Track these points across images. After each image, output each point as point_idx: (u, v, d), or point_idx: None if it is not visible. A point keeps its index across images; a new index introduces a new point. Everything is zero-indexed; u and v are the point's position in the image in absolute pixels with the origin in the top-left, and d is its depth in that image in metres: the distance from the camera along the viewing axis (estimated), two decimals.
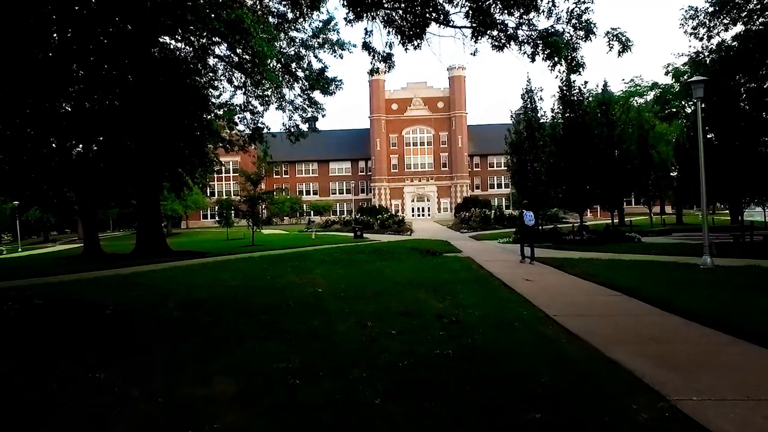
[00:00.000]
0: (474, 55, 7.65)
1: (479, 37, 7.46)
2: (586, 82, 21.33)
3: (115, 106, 19.93)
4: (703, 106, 35.53)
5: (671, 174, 41.40)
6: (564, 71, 8.55)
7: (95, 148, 23.13)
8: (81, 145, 23.48)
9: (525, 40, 7.40)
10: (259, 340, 6.45)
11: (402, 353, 5.65)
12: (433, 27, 7.98)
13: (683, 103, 37.52)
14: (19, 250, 42.05)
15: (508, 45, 7.45)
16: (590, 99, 23.11)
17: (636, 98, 41.34)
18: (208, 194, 63.36)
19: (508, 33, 7.37)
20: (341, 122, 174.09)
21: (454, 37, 7.81)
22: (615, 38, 7.15)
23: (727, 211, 49.38)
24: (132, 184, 21.61)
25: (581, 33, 7.19)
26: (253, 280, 11.99)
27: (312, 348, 6.02)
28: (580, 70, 7.43)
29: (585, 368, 4.97)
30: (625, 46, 7.17)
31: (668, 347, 5.64)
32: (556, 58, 7.34)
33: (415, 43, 10.71)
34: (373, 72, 11.06)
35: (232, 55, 20.14)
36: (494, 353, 5.55)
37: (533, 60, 7.46)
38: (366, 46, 10.89)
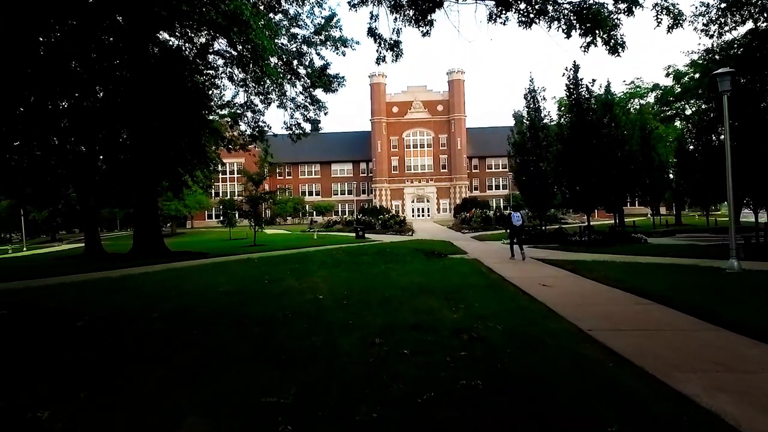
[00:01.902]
0: (504, 24, 6.45)
1: (504, 11, 6.27)
2: (593, 80, 20.06)
3: (113, 104, 18.79)
4: (703, 106, 33.96)
5: (670, 176, 40.23)
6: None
7: (96, 147, 22.00)
8: (80, 144, 22.34)
9: (557, 16, 6.20)
10: (248, 361, 5.27)
11: (419, 382, 4.47)
12: None
13: (684, 104, 36.33)
14: (24, 249, 40.87)
15: (537, 20, 6.26)
16: (594, 99, 21.89)
17: (637, 99, 40.13)
18: (213, 195, 62.18)
19: (537, 7, 6.19)
20: (343, 125, 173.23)
21: (475, 2, 6.58)
22: (664, 11, 5.94)
23: (720, 212, 48.22)
24: (130, 183, 20.41)
25: (623, 6, 5.96)
26: (249, 284, 10.78)
27: (310, 374, 4.83)
28: (620, 50, 6.22)
29: (656, 409, 3.77)
30: (677, 20, 5.98)
31: (748, 378, 4.44)
32: (596, 33, 6.11)
33: (425, 29, 9.53)
34: (379, 61, 9.87)
35: (232, 50, 18.96)
36: (533, 384, 4.36)
37: (569, 36, 6.25)
38: (371, 32, 9.72)
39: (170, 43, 19.97)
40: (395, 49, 9.92)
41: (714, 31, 18.79)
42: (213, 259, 17.86)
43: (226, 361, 5.29)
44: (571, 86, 20.32)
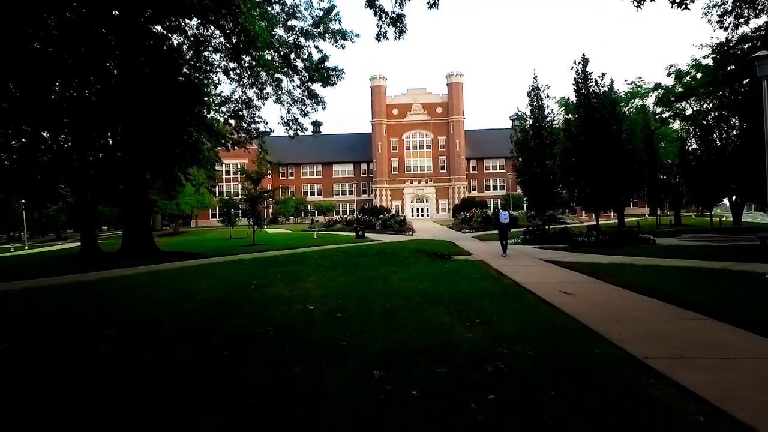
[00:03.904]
0: None
1: None
2: (603, 74, 18.50)
3: (104, 98, 17.31)
4: (705, 106, 32.31)
5: (670, 176, 38.72)
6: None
7: (85, 142, 20.46)
8: (71, 138, 20.81)
9: None
10: (201, 409, 3.74)
11: None
12: None
13: (684, 105, 34.81)
14: (26, 248, 39.45)
15: None
16: (603, 94, 20.33)
17: (638, 99, 38.55)
18: (217, 194, 60.61)
19: None
20: (344, 127, 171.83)
21: None
22: None
23: (713, 213, 46.55)
24: (120, 180, 18.87)
25: None
26: (232, 291, 9.24)
27: None
28: (687, 2, 4.75)
29: None
30: None
31: None
32: None
33: None
34: (379, 37, 8.34)
35: (226, 43, 17.44)
36: None
37: None
38: (370, 3, 8.16)
39: (164, 35, 18.48)
40: (398, 24, 8.40)
41: (729, 23, 17.25)
42: (204, 260, 16.33)
43: (170, 411, 3.75)
44: (580, 81, 18.78)
